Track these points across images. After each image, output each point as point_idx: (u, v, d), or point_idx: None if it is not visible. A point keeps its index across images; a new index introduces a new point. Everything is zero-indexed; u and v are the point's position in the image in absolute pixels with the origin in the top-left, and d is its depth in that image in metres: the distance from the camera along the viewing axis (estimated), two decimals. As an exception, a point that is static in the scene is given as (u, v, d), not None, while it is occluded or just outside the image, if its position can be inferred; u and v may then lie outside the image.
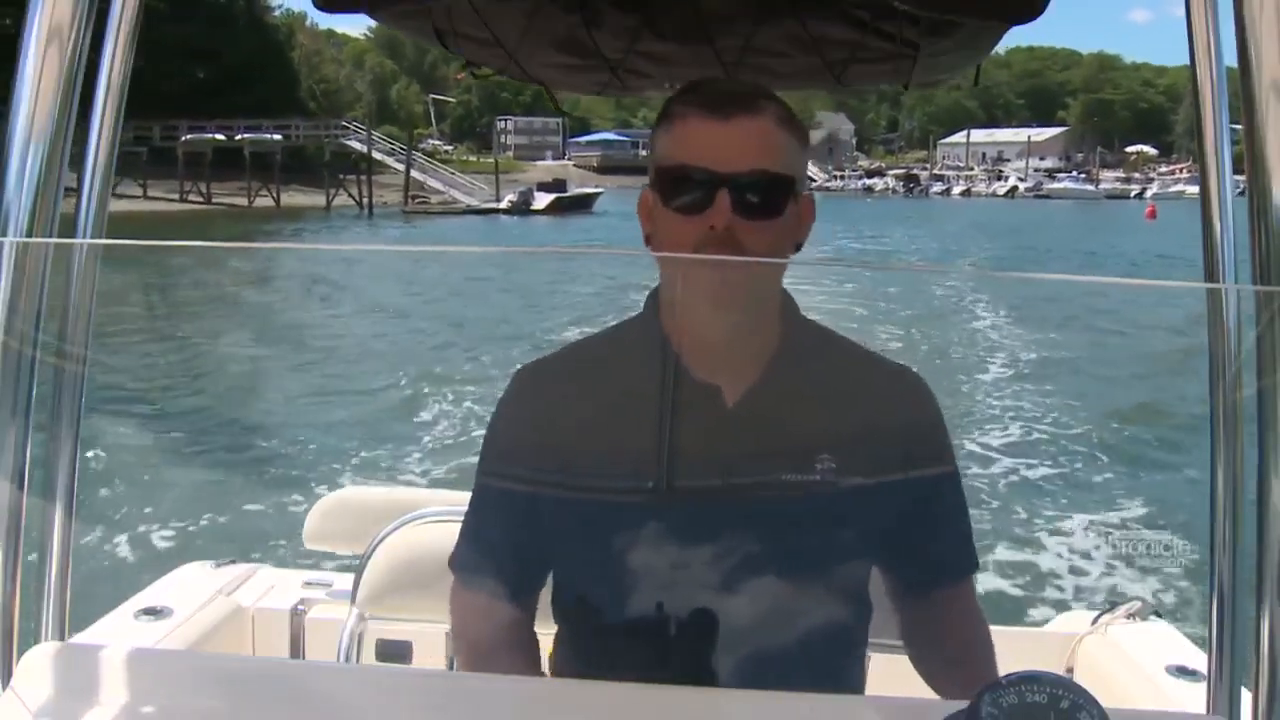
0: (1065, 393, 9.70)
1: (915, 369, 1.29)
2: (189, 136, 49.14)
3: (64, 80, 0.97)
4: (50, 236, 1.00)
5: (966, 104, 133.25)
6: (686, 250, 1.09)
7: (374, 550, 1.61)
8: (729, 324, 1.14)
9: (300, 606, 2.15)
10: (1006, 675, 0.79)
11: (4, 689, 0.98)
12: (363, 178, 50.71)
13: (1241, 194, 0.95)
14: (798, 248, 1.16)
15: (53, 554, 1.09)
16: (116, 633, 1.92)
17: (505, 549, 1.22)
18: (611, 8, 1.52)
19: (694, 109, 1.09)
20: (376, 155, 53.13)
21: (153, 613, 2.02)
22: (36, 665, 1.00)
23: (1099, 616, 2.12)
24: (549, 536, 1.20)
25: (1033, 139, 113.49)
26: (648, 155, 1.15)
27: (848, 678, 1.24)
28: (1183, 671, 1.86)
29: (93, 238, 1.14)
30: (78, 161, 1.12)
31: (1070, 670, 2.04)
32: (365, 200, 49.52)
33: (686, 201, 1.08)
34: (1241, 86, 0.90)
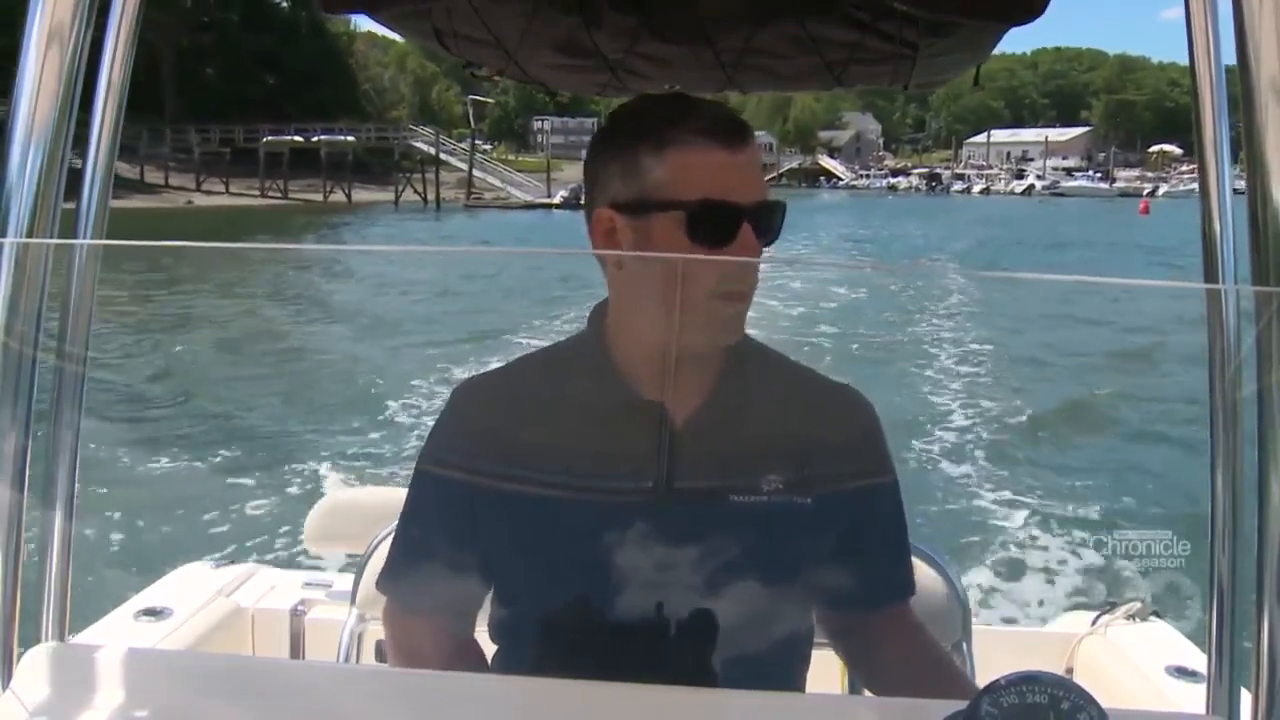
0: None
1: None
2: (269, 138, 55.43)
3: (64, 80, 0.97)
4: (50, 236, 1.00)
5: (992, 104, 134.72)
6: (709, 283, 1.10)
7: (374, 550, 1.61)
8: (700, 345, 1.14)
9: (300, 607, 2.14)
10: (1006, 675, 0.79)
11: (4, 689, 0.98)
12: (428, 176, 57.49)
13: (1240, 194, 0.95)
14: None
15: (53, 554, 1.09)
16: (116, 633, 1.92)
17: (443, 567, 1.20)
18: (611, 9, 1.52)
19: (702, 137, 1.08)
20: (443, 155, 59.78)
21: (153, 613, 2.02)
22: (36, 665, 1.00)
23: (1099, 617, 2.12)
24: (487, 551, 1.19)
25: (1056, 139, 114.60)
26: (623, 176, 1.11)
27: (790, 680, 1.25)
28: (1182, 672, 1.86)
29: (93, 238, 1.14)
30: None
31: (1070, 670, 2.04)
32: (433, 196, 55.98)
33: (714, 235, 1.08)
34: (1241, 86, 0.90)
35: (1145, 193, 79.26)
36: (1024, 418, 8.73)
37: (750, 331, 1.20)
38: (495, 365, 1.34)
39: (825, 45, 1.55)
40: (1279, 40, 0.87)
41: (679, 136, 1.08)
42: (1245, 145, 0.90)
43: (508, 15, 1.49)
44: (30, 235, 0.97)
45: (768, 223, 1.10)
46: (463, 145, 63.95)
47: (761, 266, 1.17)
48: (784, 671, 1.24)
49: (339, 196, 54.95)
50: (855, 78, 1.65)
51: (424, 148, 60.28)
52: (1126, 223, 42.72)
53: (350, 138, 58.51)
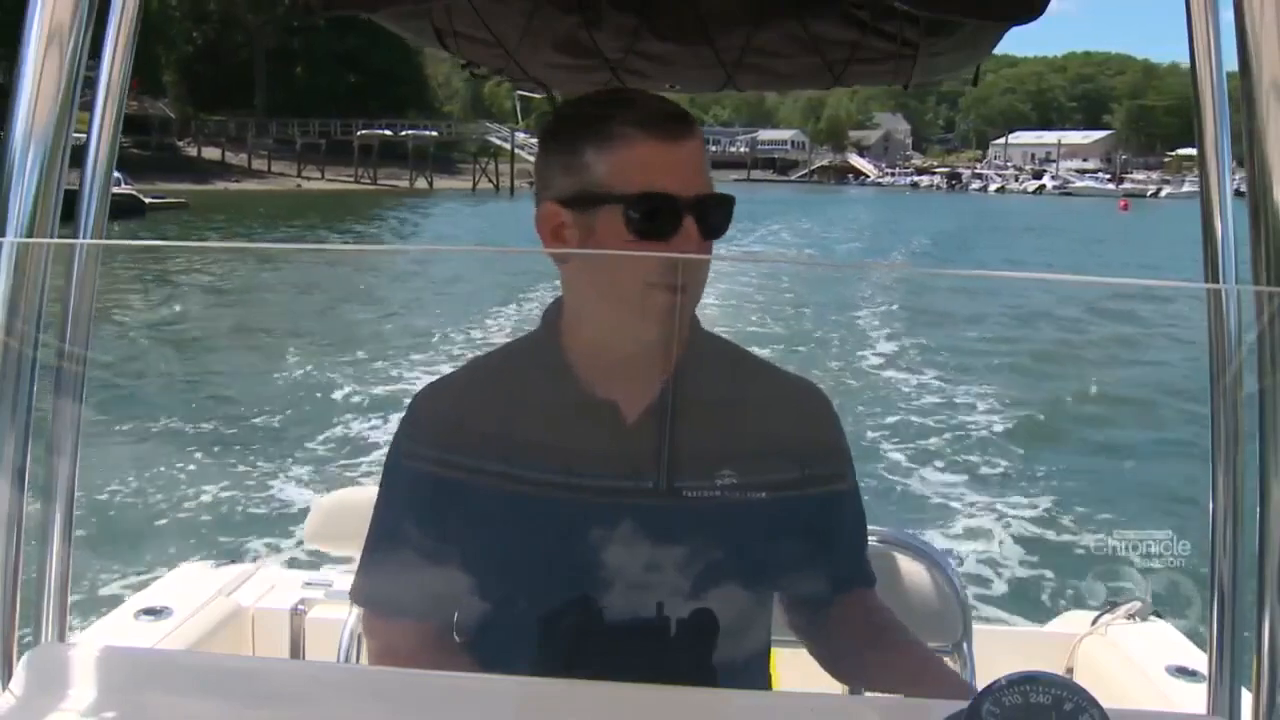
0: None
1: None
2: (363, 131, 64.05)
3: (64, 80, 0.97)
4: (50, 236, 1.00)
5: (1020, 107, 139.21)
6: (645, 274, 1.09)
7: None
8: (646, 341, 1.14)
9: (300, 606, 2.14)
10: (1007, 675, 0.79)
11: (4, 689, 0.98)
12: (501, 167, 66.03)
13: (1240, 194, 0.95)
14: None
15: (53, 554, 1.09)
16: (116, 633, 1.92)
17: (413, 572, 1.20)
18: (611, 8, 1.52)
19: (641, 130, 1.07)
20: (518, 150, 66.43)
21: (153, 613, 2.02)
22: (36, 665, 1.00)
23: (1099, 616, 2.12)
24: (453, 553, 1.18)
25: (1078, 141, 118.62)
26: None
27: (753, 679, 1.24)
28: (1183, 672, 1.86)
29: (93, 238, 1.14)
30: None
31: (1070, 670, 2.04)
32: (507, 184, 62.82)
33: (655, 228, 1.07)
34: (1241, 87, 0.90)
35: (1149, 193, 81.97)
36: (1024, 414, 8.73)
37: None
38: (452, 369, 1.33)
39: (825, 44, 1.55)
40: (1279, 41, 0.87)
41: (619, 130, 1.08)
42: (1245, 145, 0.90)
43: (508, 15, 1.50)
44: (30, 235, 0.97)
45: (712, 216, 1.09)
46: (534, 139, 70.57)
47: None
48: (751, 667, 1.24)
49: (422, 184, 62.86)
50: (855, 77, 1.65)
51: (499, 142, 69.42)
52: (1102, 219, 47.36)
53: (434, 133, 67.36)
